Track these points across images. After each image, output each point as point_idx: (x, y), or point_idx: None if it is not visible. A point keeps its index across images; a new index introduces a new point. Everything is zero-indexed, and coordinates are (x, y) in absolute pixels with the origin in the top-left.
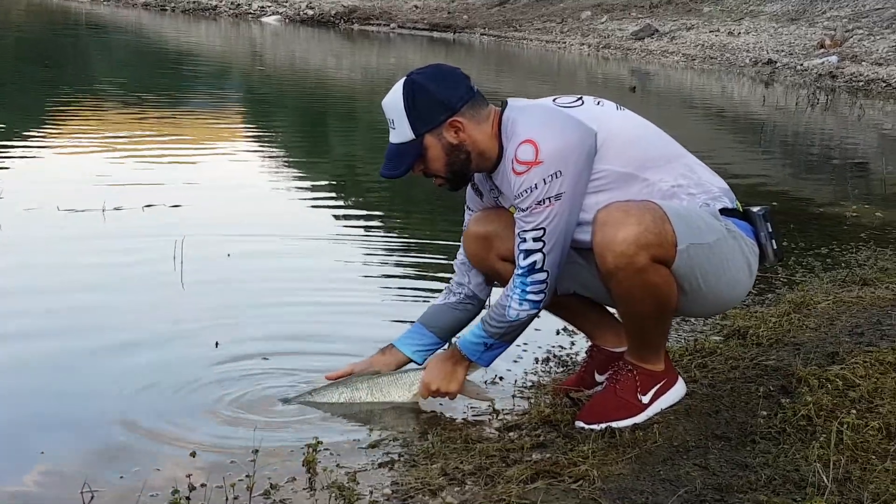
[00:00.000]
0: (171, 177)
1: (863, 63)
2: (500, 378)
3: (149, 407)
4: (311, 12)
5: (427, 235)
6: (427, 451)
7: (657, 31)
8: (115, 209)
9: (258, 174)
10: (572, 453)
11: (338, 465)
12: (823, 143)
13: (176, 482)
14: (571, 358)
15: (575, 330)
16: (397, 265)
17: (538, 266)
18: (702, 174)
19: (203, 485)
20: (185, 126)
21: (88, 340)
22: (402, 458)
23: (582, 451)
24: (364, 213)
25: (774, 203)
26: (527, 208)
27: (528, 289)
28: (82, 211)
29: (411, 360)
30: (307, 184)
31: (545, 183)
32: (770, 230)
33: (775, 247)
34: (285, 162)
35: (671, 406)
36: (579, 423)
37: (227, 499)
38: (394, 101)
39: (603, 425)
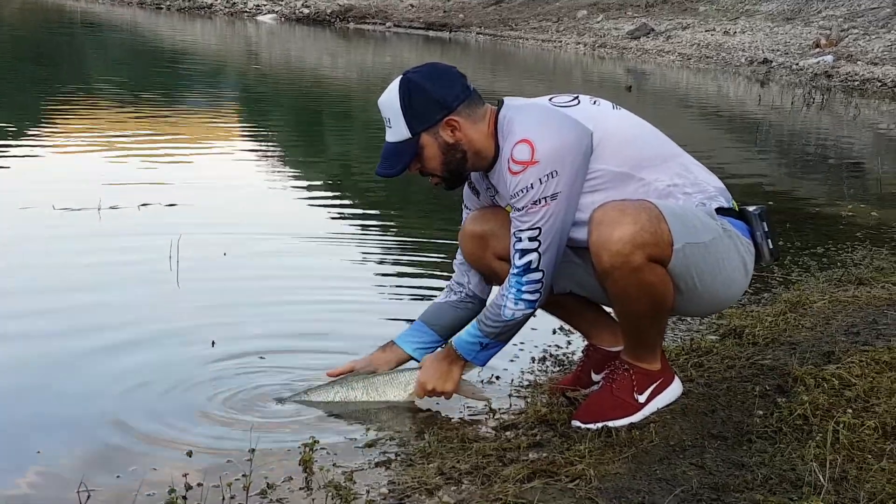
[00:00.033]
0: (167, 175)
1: (858, 62)
2: (497, 377)
3: (145, 406)
4: (306, 11)
5: (424, 234)
6: (424, 451)
7: (653, 30)
8: (111, 208)
9: (254, 173)
10: (569, 452)
11: (334, 465)
12: (819, 143)
13: (172, 482)
14: (568, 357)
15: (571, 329)
16: (394, 264)
17: (534, 265)
18: (698, 173)
19: (200, 484)
20: (180, 125)
21: (84, 340)
22: (398, 458)
23: (578, 450)
24: (360, 211)
25: (770, 202)
26: (523, 208)
27: (523, 288)
28: (78, 210)
29: (412, 358)
30: (303, 183)
31: (541, 183)
32: (766, 229)
33: (771, 246)
34: (281, 161)
35: (667, 405)
36: (576, 423)
37: (223, 498)
38: (390, 100)
39: (599, 424)
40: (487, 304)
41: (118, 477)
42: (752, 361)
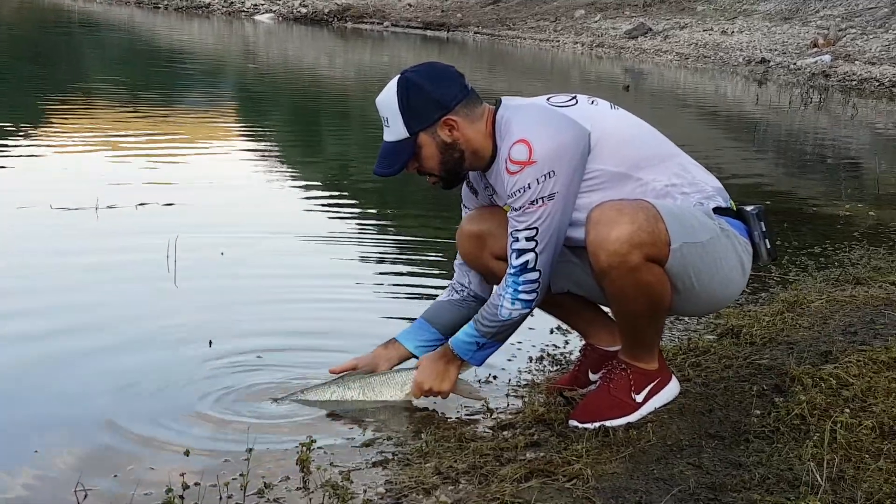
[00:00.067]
0: (165, 175)
1: (856, 62)
2: (494, 377)
3: (142, 406)
4: (304, 10)
5: (421, 233)
6: (421, 450)
7: (650, 29)
8: (109, 207)
9: (252, 172)
10: (566, 452)
11: (331, 464)
12: (817, 143)
13: (170, 481)
14: (565, 357)
15: (569, 329)
16: (391, 263)
17: (530, 265)
18: (695, 173)
19: (197, 484)
20: (178, 124)
21: (81, 339)
22: (395, 457)
23: (576, 449)
24: (358, 211)
25: (768, 202)
26: (520, 208)
27: (520, 288)
28: (75, 209)
29: (413, 355)
30: (301, 182)
31: (538, 183)
32: (764, 229)
33: (769, 246)
34: (279, 160)
35: (665, 405)
36: (573, 422)
37: (220, 498)
38: (388, 100)
39: (597, 424)
40: (484, 303)
41: (115, 476)
42: (749, 361)
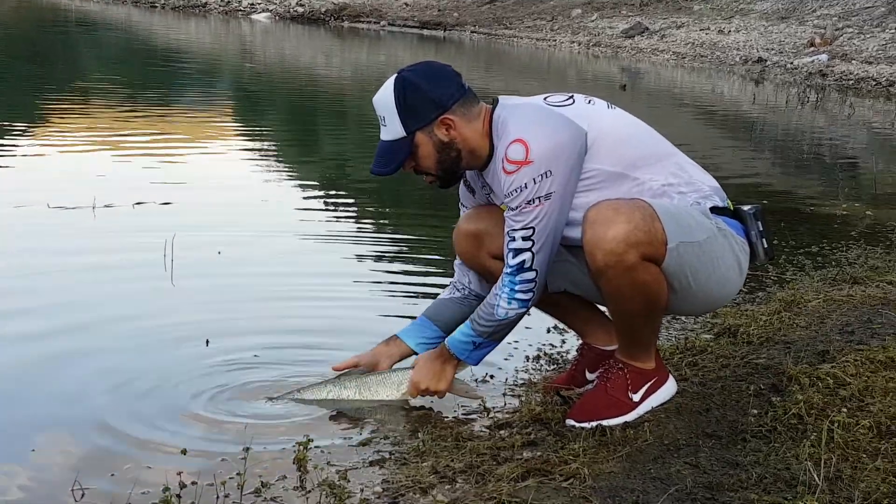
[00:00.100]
0: (162, 174)
1: (853, 61)
2: (491, 376)
3: (139, 405)
4: (301, 9)
5: (418, 232)
6: (418, 450)
7: (647, 29)
8: (106, 206)
9: (248, 172)
10: (563, 451)
11: (328, 464)
12: (814, 142)
13: (167, 480)
14: (562, 356)
15: (566, 328)
16: (389, 261)
17: (527, 265)
18: (692, 173)
19: (194, 483)
20: (175, 123)
21: (78, 338)
22: (392, 457)
23: (573, 449)
24: (355, 210)
25: (765, 201)
26: (516, 207)
27: (516, 288)
28: (72, 208)
29: (414, 353)
30: (298, 181)
31: (535, 182)
32: (761, 229)
33: (766, 245)
34: (276, 159)
35: (662, 404)
36: (570, 422)
37: (217, 497)
38: (385, 99)
39: (594, 423)
40: (468, 307)
41: (112, 476)
42: (746, 360)
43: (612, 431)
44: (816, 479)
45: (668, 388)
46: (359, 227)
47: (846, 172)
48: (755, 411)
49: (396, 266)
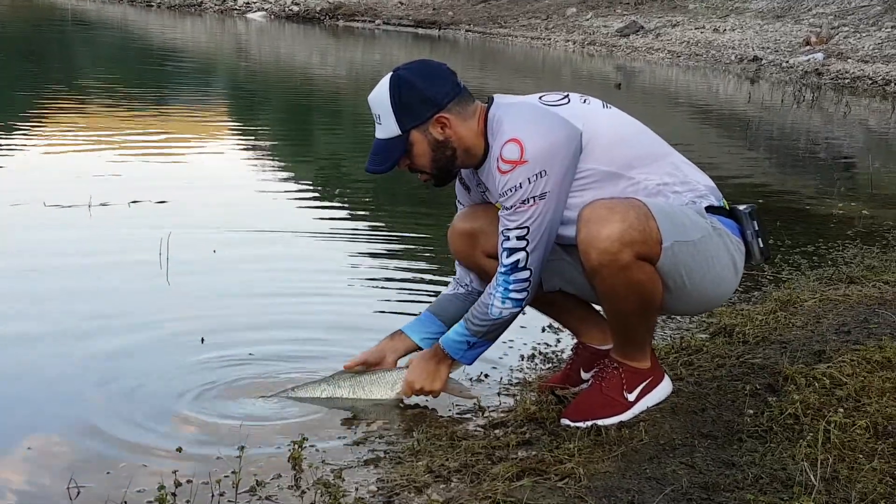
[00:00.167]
0: (157, 173)
1: (848, 60)
2: (486, 375)
3: (134, 404)
4: (296, 8)
5: (413, 229)
6: (413, 449)
7: (642, 27)
8: (102, 205)
9: (244, 170)
10: (558, 451)
11: (323, 462)
12: (809, 141)
13: (162, 478)
14: (557, 355)
15: (560, 327)
16: (385, 258)
17: (521, 264)
18: (688, 172)
19: (189, 481)
20: (170, 122)
21: (74, 337)
22: (387, 456)
23: (568, 448)
24: (350, 208)
25: (760, 200)
26: (511, 207)
27: (510, 287)
28: (68, 207)
29: (419, 348)
30: (293, 180)
31: (530, 182)
32: (756, 228)
33: (762, 245)
34: (271, 158)
35: (657, 404)
36: (565, 421)
37: (212, 495)
38: (380, 97)
39: (589, 423)
40: (471, 304)
41: (108, 474)
42: (742, 360)
43: (607, 431)
44: (813, 479)
45: (664, 388)
46: (354, 225)
47: (842, 172)
48: (751, 411)
49: (391, 263)
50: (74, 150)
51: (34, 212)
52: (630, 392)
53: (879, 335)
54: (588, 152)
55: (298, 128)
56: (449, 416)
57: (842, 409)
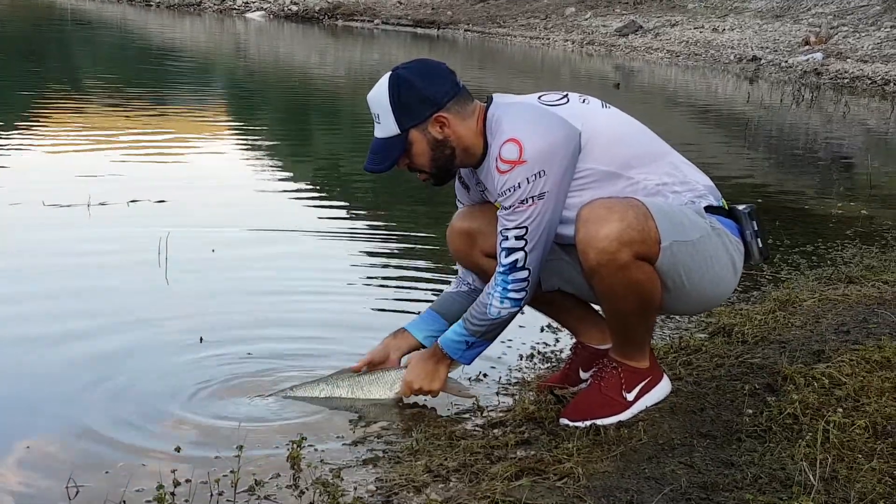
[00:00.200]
0: (156, 172)
1: (848, 60)
2: (485, 375)
3: (133, 402)
4: (295, 8)
5: (411, 228)
6: (411, 448)
7: (641, 27)
8: (101, 204)
9: (243, 170)
10: (557, 450)
11: (322, 462)
12: (808, 140)
13: (161, 477)
14: (556, 355)
15: (559, 326)
16: (383, 257)
17: (520, 264)
18: (687, 172)
19: (188, 480)
20: (170, 122)
21: (73, 336)
22: (386, 455)
23: (567, 448)
24: (349, 207)
25: (759, 200)
26: (510, 206)
27: (509, 287)
28: (67, 206)
29: (422, 346)
30: (292, 179)
31: (528, 182)
32: (755, 228)
33: (761, 245)
34: (270, 157)
35: (656, 404)
36: (564, 421)
37: (211, 495)
38: (379, 96)
39: (588, 422)
40: (474, 302)
41: (107, 473)
42: (741, 360)
43: (606, 431)
44: (812, 479)
45: (663, 388)
46: (353, 225)
47: (841, 171)
48: (750, 411)
49: (390, 262)
50: (73, 150)
51: (33, 211)
52: (629, 392)
53: (878, 335)
54: (587, 152)
55: (297, 127)
56: (447, 416)
57: (841, 409)
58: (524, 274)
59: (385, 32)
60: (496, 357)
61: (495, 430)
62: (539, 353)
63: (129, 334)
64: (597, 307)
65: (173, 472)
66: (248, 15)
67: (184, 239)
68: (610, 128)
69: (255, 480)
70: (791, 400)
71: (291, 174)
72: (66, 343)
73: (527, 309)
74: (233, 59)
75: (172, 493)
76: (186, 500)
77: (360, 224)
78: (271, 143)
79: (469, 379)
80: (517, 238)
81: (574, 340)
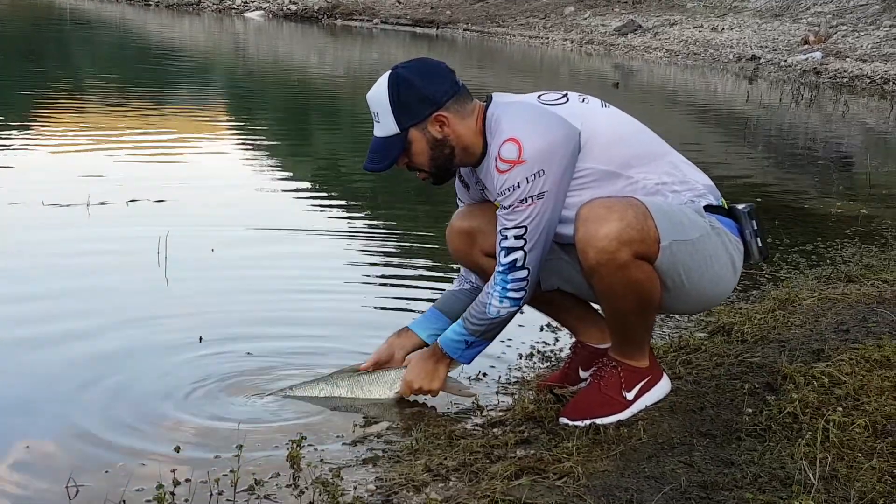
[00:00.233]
0: (156, 172)
1: (847, 59)
2: (484, 374)
3: (133, 402)
4: (294, 7)
5: (411, 227)
6: (411, 448)
7: (640, 26)
8: (100, 204)
9: (242, 169)
10: (556, 450)
11: (322, 461)
12: (808, 140)
13: (161, 477)
14: (555, 354)
15: (559, 326)
16: (383, 256)
17: (519, 264)
18: (686, 171)
19: (188, 480)
20: (169, 121)
21: (73, 336)
22: (385, 454)
23: (566, 447)
24: (348, 207)
25: (759, 200)
26: (509, 206)
27: (508, 286)
28: (67, 206)
29: (426, 344)
30: (291, 178)
31: (528, 182)
32: (755, 227)
33: (760, 244)
34: (269, 157)
35: (656, 403)
36: (563, 420)
37: (211, 494)
38: (378, 95)
39: (587, 422)
40: (473, 301)
41: (106, 472)
42: (740, 359)
43: (605, 430)
44: (812, 478)
45: (662, 387)
46: (352, 224)
47: (841, 171)
48: (750, 410)
49: (390, 261)
50: (72, 150)
51: (32, 211)
52: (628, 391)
53: (878, 334)
54: (586, 151)
55: (297, 127)
56: (447, 415)
57: (840, 408)
58: (523, 273)
59: (384, 32)
60: (496, 356)
61: (495, 430)
62: (538, 352)
63: (129, 334)
64: (596, 306)
65: (173, 471)
66: (247, 14)
67: (183, 238)
68: (609, 127)
69: (255, 480)
70: (791, 399)
71: (291, 174)
72: (66, 343)
73: (526, 308)
74: (232, 58)
75: (172, 493)
76: (186, 500)
77: (359, 223)
78: (271, 142)
79: (469, 378)
80: (516, 237)
81: (573, 339)
